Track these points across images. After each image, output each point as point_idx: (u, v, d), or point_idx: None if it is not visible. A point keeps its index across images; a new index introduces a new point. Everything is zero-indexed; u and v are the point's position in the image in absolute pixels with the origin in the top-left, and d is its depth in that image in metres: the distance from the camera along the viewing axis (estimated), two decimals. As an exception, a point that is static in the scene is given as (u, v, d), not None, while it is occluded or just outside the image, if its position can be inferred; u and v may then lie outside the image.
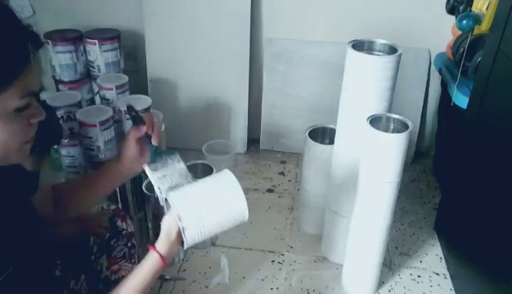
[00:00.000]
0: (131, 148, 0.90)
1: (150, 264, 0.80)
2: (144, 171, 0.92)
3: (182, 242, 0.80)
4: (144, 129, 0.89)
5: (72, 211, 0.96)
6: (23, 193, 0.80)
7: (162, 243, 0.80)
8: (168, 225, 0.80)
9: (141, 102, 1.63)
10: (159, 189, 0.87)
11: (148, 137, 0.89)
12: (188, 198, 0.79)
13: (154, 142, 0.90)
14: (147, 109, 1.62)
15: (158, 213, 1.37)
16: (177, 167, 0.90)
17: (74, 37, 1.80)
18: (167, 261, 0.81)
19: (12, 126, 0.64)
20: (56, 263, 0.95)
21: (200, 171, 1.54)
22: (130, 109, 0.94)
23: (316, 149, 1.50)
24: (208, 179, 0.84)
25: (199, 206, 0.78)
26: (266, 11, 1.99)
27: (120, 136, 1.61)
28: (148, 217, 1.47)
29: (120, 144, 0.91)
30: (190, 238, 0.78)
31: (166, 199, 0.81)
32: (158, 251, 0.80)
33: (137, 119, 0.90)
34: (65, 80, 1.84)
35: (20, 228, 0.73)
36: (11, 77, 0.60)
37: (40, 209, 0.82)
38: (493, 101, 1.25)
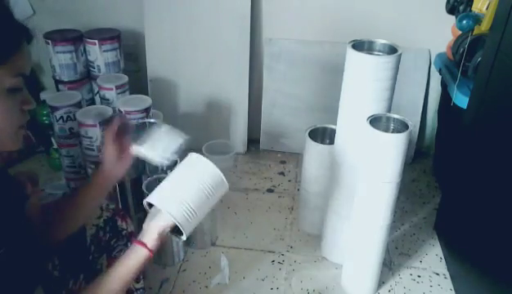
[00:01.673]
0: (109, 149, 0.92)
1: (135, 254, 0.82)
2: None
3: (181, 233, 0.82)
4: (117, 120, 0.92)
5: (63, 229, 0.95)
6: (16, 197, 0.80)
7: (146, 236, 0.83)
8: (152, 220, 0.84)
9: (141, 102, 1.63)
10: (159, 157, 0.92)
11: (124, 127, 0.93)
12: (163, 188, 0.84)
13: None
14: (147, 109, 1.62)
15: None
16: (162, 129, 0.94)
17: (74, 37, 1.80)
18: (153, 250, 0.83)
19: (6, 107, 0.68)
20: (55, 263, 0.95)
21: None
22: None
23: (316, 149, 1.50)
24: (177, 167, 0.87)
25: (169, 185, 0.83)
26: (266, 11, 1.99)
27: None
28: (148, 217, 1.47)
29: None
30: (176, 213, 0.80)
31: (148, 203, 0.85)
32: (143, 243, 0.82)
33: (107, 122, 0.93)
34: (65, 80, 1.84)
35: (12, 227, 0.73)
36: (5, 55, 0.66)
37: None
38: (493, 101, 1.25)
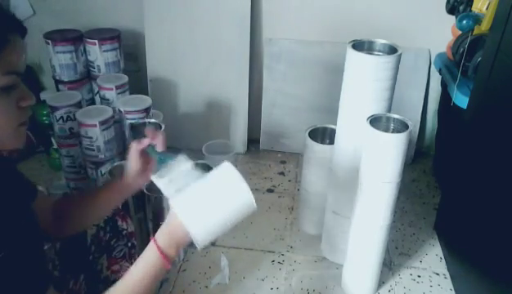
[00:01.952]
0: (134, 162, 0.92)
1: (151, 264, 0.76)
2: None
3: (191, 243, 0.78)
4: (147, 141, 0.90)
5: (73, 226, 0.95)
6: (22, 198, 0.80)
7: (166, 242, 0.76)
8: (174, 230, 0.76)
9: (141, 102, 1.63)
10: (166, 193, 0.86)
11: (152, 147, 0.91)
12: (191, 202, 0.77)
13: (158, 149, 0.91)
14: (147, 109, 1.62)
15: (158, 212, 1.37)
16: (182, 167, 0.89)
17: (74, 37, 1.80)
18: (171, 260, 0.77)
19: (0, 107, 0.65)
20: (55, 263, 0.95)
21: (200, 171, 1.54)
22: (132, 126, 0.95)
23: (316, 149, 1.50)
24: (209, 176, 0.82)
25: (204, 208, 0.76)
26: (266, 11, 1.99)
27: (120, 141, 1.62)
28: (148, 217, 1.47)
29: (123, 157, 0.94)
30: (201, 242, 0.75)
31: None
32: (160, 249, 0.75)
33: (138, 133, 0.91)
34: (65, 80, 1.84)
35: (17, 228, 0.73)
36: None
37: (40, 219, 0.82)
38: (493, 101, 1.25)
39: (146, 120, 1.52)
